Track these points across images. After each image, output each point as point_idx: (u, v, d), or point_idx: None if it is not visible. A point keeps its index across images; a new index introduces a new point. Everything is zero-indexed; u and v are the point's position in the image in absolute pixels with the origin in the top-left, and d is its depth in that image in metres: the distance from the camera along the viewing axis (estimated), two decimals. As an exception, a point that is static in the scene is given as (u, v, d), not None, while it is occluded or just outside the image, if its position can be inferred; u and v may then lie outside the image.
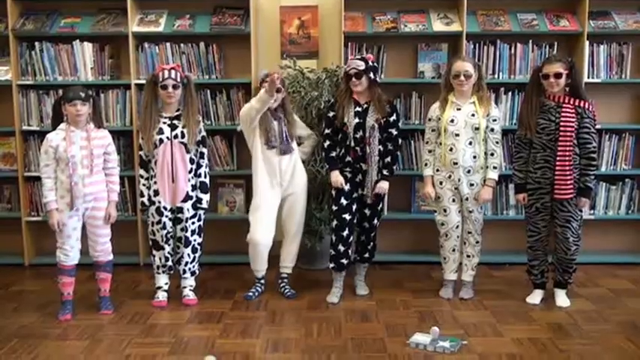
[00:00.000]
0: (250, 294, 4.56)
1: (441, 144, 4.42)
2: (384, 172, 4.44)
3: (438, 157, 4.46)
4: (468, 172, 4.39)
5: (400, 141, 4.54)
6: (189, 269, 4.49)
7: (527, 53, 5.32)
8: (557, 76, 4.16)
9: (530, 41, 5.31)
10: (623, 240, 5.61)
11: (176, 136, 4.32)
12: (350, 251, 4.53)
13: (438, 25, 5.30)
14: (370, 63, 4.36)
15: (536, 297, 4.45)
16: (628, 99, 5.50)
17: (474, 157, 4.38)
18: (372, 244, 4.61)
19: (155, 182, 4.36)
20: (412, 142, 5.35)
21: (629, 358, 3.58)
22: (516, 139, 4.43)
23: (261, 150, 4.48)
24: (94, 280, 4.38)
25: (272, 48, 5.43)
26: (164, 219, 4.38)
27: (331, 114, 4.48)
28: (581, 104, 4.17)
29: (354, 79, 4.34)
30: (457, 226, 4.52)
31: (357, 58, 4.37)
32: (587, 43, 5.22)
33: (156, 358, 3.58)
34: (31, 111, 5.38)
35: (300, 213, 4.63)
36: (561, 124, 4.15)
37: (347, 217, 4.44)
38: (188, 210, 4.39)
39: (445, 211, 4.49)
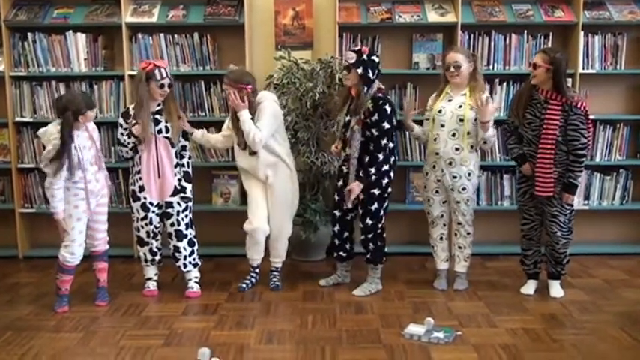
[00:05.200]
0: (244, 285, 4.55)
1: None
2: (360, 173, 4.28)
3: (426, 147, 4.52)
4: (450, 164, 4.37)
5: (384, 142, 4.23)
6: (190, 262, 4.47)
7: (522, 44, 5.31)
8: (534, 66, 4.15)
9: (525, 32, 5.29)
10: (617, 230, 5.62)
11: (160, 131, 4.30)
12: (347, 245, 4.56)
13: (433, 16, 5.28)
14: (364, 56, 4.21)
15: (529, 287, 4.47)
16: (622, 89, 5.50)
17: (457, 149, 4.35)
18: (371, 245, 4.42)
19: (140, 178, 4.34)
20: (406, 133, 5.34)
21: (623, 348, 3.60)
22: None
23: (237, 151, 4.51)
24: (90, 272, 4.38)
25: (266, 39, 5.40)
26: (150, 215, 4.37)
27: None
28: (569, 101, 4.10)
29: (345, 71, 4.31)
30: (442, 216, 4.54)
31: (352, 50, 4.29)
32: (581, 33, 5.21)
33: (150, 349, 3.58)
34: (24, 102, 5.35)
35: (283, 205, 4.57)
36: (545, 120, 4.12)
37: (337, 213, 4.50)
38: (178, 204, 4.38)
39: (429, 201, 4.53)
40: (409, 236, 5.55)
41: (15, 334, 3.82)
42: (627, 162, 5.42)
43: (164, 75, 4.23)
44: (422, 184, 4.72)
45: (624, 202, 5.44)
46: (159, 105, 4.33)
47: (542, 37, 5.30)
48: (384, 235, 4.47)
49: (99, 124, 5.34)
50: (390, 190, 4.40)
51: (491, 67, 5.31)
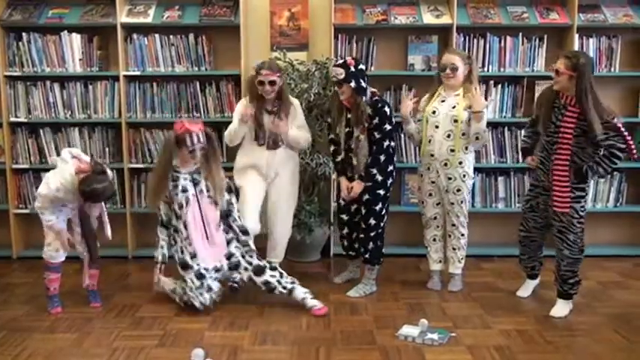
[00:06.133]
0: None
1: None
2: (370, 170, 4.31)
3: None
4: (445, 165, 4.37)
5: (386, 144, 4.28)
6: (288, 282, 4.19)
7: (517, 46, 5.32)
8: (557, 72, 3.89)
9: (520, 34, 5.30)
10: (611, 232, 5.63)
11: (201, 191, 4.13)
12: (356, 244, 4.60)
13: (428, 18, 5.29)
14: (352, 69, 4.19)
15: (525, 289, 4.44)
16: (617, 92, 5.50)
17: (452, 150, 4.34)
18: (371, 244, 4.43)
19: (190, 244, 4.10)
20: (402, 134, 5.34)
21: (617, 349, 3.60)
22: (530, 118, 4.33)
23: (250, 142, 4.45)
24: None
25: (262, 40, 5.40)
26: (208, 281, 4.09)
27: (329, 119, 4.52)
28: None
29: (336, 87, 4.30)
30: (435, 217, 4.55)
31: (338, 64, 4.24)
32: (576, 36, 5.22)
33: (144, 350, 3.57)
34: (18, 102, 5.34)
35: (289, 203, 4.60)
36: (561, 128, 3.90)
37: (344, 217, 4.56)
38: (237, 248, 4.20)
39: (423, 203, 4.54)
40: (404, 238, 5.55)
41: (9, 334, 3.81)
42: (621, 164, 5.39)
43: (195, 141, 3.96)
44: (417, 186, 4.72)
45: (618, 204, 5.46)
46: (195, 163, 4.12)
47: (537, 40, 5.32)
48: (384, 235, 4.49)
49: (93, 125, 5.37)
50: (391, 189, 4.45)
51: (486, 69, 5.32)
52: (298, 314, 4.10)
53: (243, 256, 4.19)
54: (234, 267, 4.18)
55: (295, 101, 4.56)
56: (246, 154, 4.52)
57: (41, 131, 5.37)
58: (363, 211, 4.42)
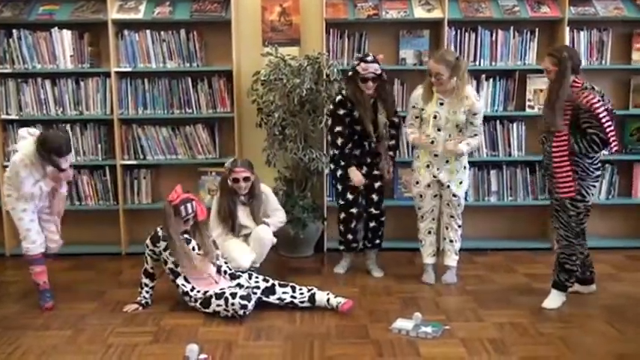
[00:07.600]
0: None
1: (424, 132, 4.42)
2: (390, 153, 4.70)
3: (419, 144, 4.47)
4: (447, 162, 4.41)
5: (402, 123, 4.75)
6: (306, 297, 4.11)
7: (509, 40, 5.33)
8: (546, 72, 3.93)
9: (512, 27, 5.31)
10: (603, 225, 5.63)
11: (194, 249, 4.13)
12: (358, 236, 4.77)
13: (420, 12, 5.29)
14: (380, 63, 4.51)
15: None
16: (608, 84, 5.49)
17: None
18: (381, 230, 4.79)
19: (199, 291, 4.05)
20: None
21: (610, 341, 3.62)
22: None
23: (226, 234, 4.53)
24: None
25: (253, 35, 5.39)
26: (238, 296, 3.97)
27: (342, 111, 4.54)
28: (578, 99, 3.79)
29: (370, 82, 4.42)
30: (432, 210, 4.57)
31: (371, 61, 4.44)
32: (567, 29, 5.23)
33: (138, 346, 3.57)
34: (9, 100, 5.32)
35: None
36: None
37: (354, 210, 4.67)
38: (247, 280, 4.16)
39: (421, 196, 4.54)
40: (396, 232, 5.53)
41: (2, 332, 3.80)
42: (613, 157, 5.44)
43: (189, 211, 4.04)
44: (410, 180, 4.73)
45: (610, 196, 5.48)
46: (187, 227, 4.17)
47: (529, 33, 5.32)
48: None
49: (85, 122, 5.36)
50: None
51: (477, 62, 5.32)
52: (292, 309, 4.10)
53: (248, 281, 4.15)
54: (248, 299, 3.97)
55: (266, 189, 4.66)
56: (224, 236, 4.54)
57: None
58: (376, 198, 4.65)
